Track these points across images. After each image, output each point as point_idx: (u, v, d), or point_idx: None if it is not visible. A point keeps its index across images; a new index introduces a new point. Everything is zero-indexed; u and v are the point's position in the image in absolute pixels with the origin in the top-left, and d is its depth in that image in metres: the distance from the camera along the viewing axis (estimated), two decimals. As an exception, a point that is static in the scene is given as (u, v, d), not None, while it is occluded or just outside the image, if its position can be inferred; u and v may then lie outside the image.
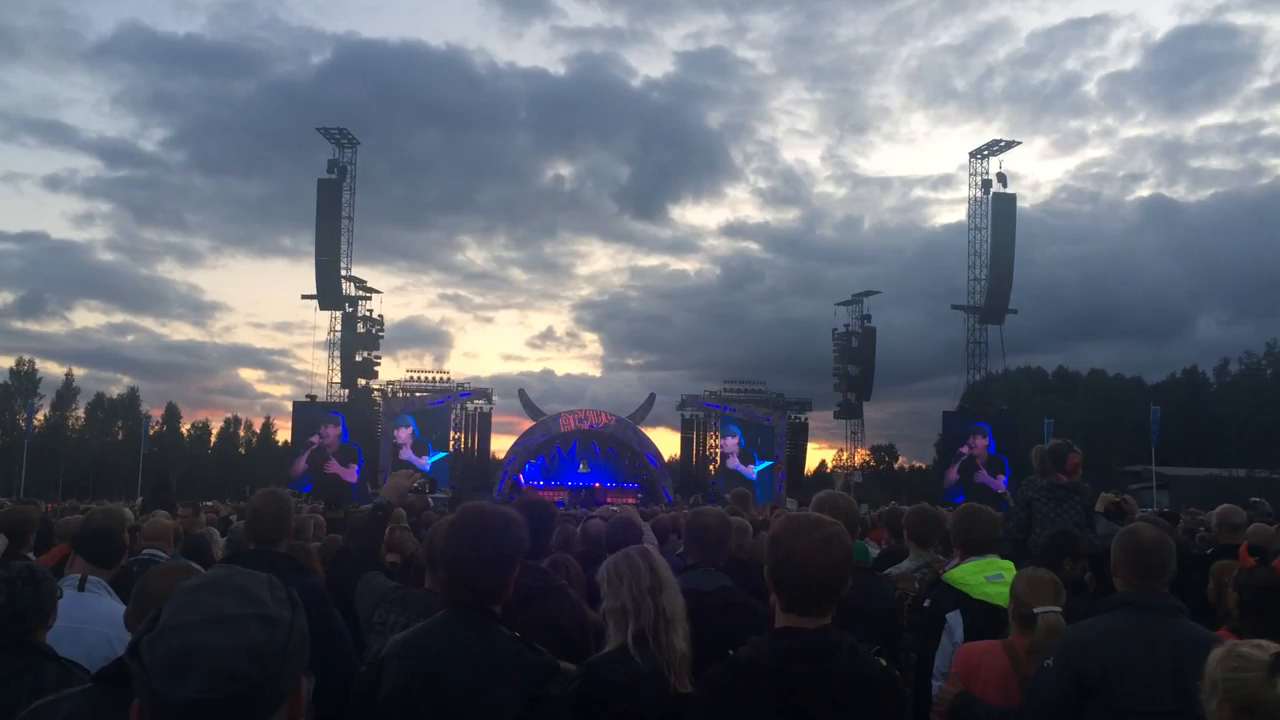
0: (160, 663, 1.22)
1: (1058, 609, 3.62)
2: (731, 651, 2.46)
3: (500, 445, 50.01)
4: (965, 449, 40.34)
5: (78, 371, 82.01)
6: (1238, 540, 6.05)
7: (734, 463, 45.03)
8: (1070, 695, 3.23)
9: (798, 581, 2.42)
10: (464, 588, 2.60)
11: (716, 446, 46.67)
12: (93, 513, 4.70)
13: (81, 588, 3.77)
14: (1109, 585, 3.67)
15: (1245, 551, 4.52)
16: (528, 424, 47.77)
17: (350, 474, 39.64)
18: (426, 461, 41.71)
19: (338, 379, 45.10)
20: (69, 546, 4.76)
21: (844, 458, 50.60)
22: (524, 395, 50.15)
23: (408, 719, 2.42)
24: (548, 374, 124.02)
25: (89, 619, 3.51)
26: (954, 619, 4.27)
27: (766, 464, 44.76)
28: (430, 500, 12.27)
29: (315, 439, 40.84)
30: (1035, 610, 3.63)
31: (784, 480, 44.08)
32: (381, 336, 46.65)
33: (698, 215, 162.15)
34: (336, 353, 45.21)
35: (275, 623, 1.29)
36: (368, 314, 45.93)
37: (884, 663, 2.45)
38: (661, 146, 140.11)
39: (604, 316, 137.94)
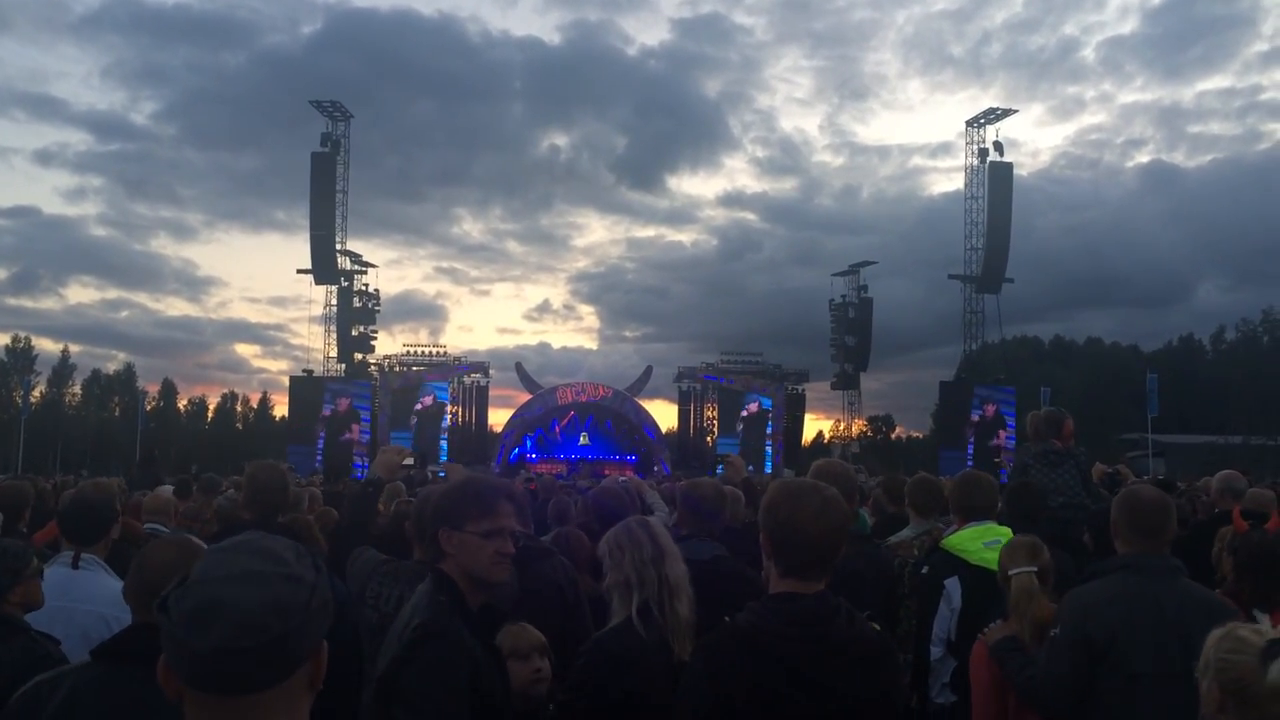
0: (187, 614, 1.28)
1: (1031, 569, 3.62)
2: (728, 618, 2.46)
3: (498, 419, 50.07)
4: (978, 415, 40.19)
5: (73, 348, 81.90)
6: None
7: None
8: (1081, 661, 3.21)
9: (795, 547, 2.41)
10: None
11: (714, 418, 46.61)
12: (82, 487, 4.61)
13: (75, 565, 3.60)
14: (1110, 548, 3.66)
15: (1238, 515, 4.53)
16: (525, 397, 47.81)
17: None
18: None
19: (334, 353, 45.07)
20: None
21: (841, 428, 50.82)
22: (521, 368, 50.14)
23: None
24: (544, 347, 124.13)
25: (82, 598, 3.38)
26: (952, 585, 4.29)
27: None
28: (429, 474, 12.27)
29: (328, 410, 40.34)
30: (1010, 573, 3.65)
31: (780, 450, 44.11)
32: (378, 310, 46.58)
33: (695, 185, 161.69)
34: (333, 327, 45.14)
35: (299, 582, 1.33)
36: (363, 288, 45.82)
37: (877, 628, 2.46)
38: (658, 116, 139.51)
39: (601, 289, 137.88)
